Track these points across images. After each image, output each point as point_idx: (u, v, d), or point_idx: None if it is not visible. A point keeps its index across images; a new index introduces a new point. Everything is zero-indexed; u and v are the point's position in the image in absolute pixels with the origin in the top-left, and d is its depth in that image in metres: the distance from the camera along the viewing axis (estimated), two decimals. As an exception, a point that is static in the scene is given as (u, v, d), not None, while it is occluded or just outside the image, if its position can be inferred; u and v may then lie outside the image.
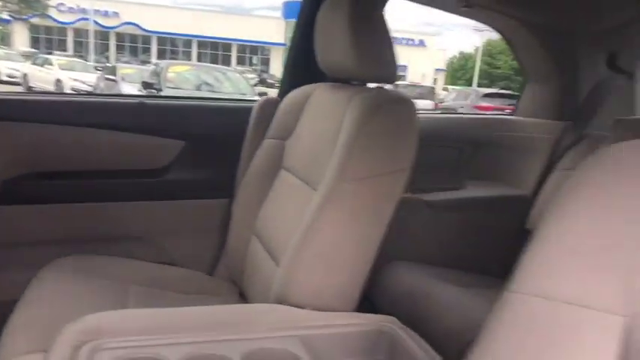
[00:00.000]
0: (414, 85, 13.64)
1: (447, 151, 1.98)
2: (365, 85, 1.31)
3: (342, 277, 1.15)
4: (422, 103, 12.33)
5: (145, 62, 16.52)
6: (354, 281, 1.17)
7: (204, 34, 31.29)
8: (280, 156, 1.45)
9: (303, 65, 1.65)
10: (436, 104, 12.93)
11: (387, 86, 1.31)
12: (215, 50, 32.98)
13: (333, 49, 1.26)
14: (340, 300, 1.16)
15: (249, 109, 1.60)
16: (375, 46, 1.21)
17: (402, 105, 1.18)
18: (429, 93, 12.98)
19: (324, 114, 1.30)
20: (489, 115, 2.13)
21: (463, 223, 1.88)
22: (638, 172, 0.54)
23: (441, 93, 18.13)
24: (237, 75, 8.56)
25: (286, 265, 1.13)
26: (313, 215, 1.12)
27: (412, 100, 1.22)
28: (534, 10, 1.82)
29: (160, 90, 7.23)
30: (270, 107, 1.55)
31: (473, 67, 30.16)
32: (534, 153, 1.99)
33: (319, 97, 1.38)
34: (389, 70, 1.24)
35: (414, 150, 1.18)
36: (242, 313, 1.03)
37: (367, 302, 1.70)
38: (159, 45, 31.97)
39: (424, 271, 1.71)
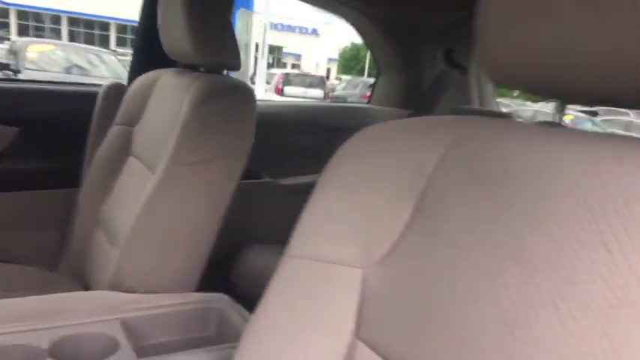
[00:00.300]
0: (304, 75, 13.80)
1: (308, 137, 2.07)
2: (213, 72, 1.33)
3: (178, 261, 1.18)
4: (312, 93, 12.54)
5: (2, 39, 14.79)
6: (192, 265, 1.21)
7: (76, 10, 28.41)
8: (128, 143, 1.43)
9: (150, 49, 1.63)
10: (327, 93, 13.21)
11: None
12: (90, 29, 30.30)
13: (173, 33, 1.27)
14: (177, 283, 1.18)
15: (94, 95, 1.56)
16: (213, 32, 1.23)
17: (239, 92, 1.22)
18: (319, 82, 13.21)
19: (167, 100, 1.31)
20: (348, 104, 2.25)
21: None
22: (388, 146, 0.64)
23: (334, 82, 18.56)
24: (113, 57, 7.98)
25: (121, 251, 1.14)
26: (147, 199, 1.13)
27: (252, 87, 1.27)
28: (378, 7, 1.96)
29: (18, 72, 6.51)
30: (116, 93, 1.52)
31: (365, 57, 31.19)
32: (385, 139, 2.15)
33: (164, 82, 1.38)
34: (230, 57, 1.28)
35: (251, 137, 1.23)
36: (55, 302, 1.01)
37: (230, 284, 1.75)
38: (19, 20, 28.40)
39: (279, 251, 1.79)
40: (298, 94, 12.10)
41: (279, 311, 0.64)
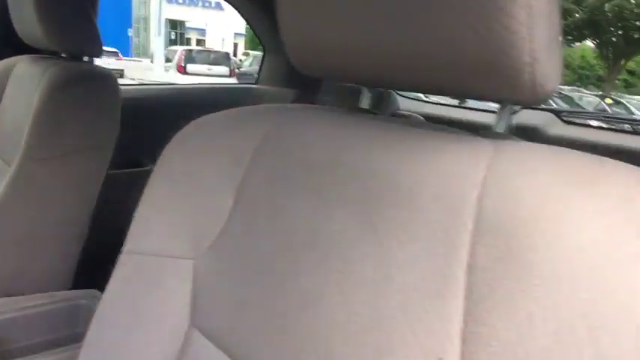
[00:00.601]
0: (208, 51, 13.37)
1: (191, 120, 2.03)
2: (73, 59, 1.26)
3: (45, 260, 1.14)
4: (217, 70, 12.21)
5: None
6: (62, 263, 1.17)
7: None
8: None
9: (7, 33, 1.51)
10: (232, 70, 12.91)
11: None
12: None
13: (23, 15, 1.18)
14: (47, 283, 1.14)
15: None
16: (66, 14, 1.16)
17: (98, 79, 1.18)
18: (224, 58, 12.85)
19: (22, 89, 1.23)
20: (233, 84, 2.23)
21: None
22: (212, 137, 0.65)
23: (242, 58, 18.13)
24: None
25: (-24, 254, 1.07)
26: (3, 197, 1.07)
27: (116, 74, 1.23)
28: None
29: None
30: None
31: (273, 32, 30.53)
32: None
33: (19, 70, 1.30)
34: (89, 42, 1.22)
35: (116, 125, 1.20)
36: None
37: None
38: None
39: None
40: (202, 72, 11.75)
41: (118, 308, 0.64)
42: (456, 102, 2.40)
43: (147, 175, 1.92)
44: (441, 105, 2.40)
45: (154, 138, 1.88)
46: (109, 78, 1.18)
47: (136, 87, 1.94)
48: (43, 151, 1.07)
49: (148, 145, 1.87)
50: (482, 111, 2.33)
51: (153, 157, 1.92)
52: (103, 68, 1.20)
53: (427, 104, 2.43)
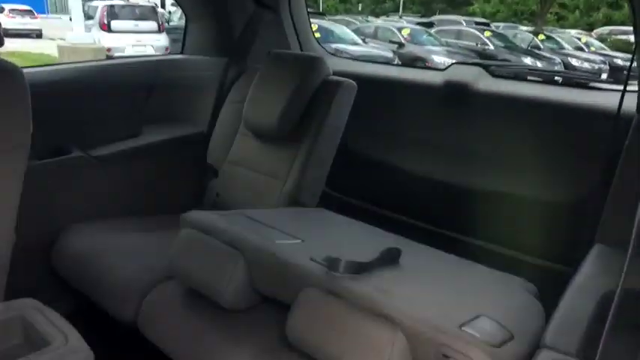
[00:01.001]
0: (132, 5, 12.55)
1: (119, 98, 1.93)
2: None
3: None
4: (144, 26, 11.55)
5: None
6: None
7: None
8: None
9: None
10: (161, 25, 12.22)
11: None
12: None
13: None
14: None
15: None
16: None
17: (8, 76, 1.09)
18: (150, 12, 12.08)
19: None
20: (161, 56, 2.12)
21: (143, 170, 1.91)
22: None
23: (171, 10, 17.16)
24: None
25: None
26: None
27: (16, 63, 1.13)
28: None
29: None
30: None
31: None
32: (204, 90, 2.10)
33: None
34: None
35: (28, 122, 1.12)
36: None
37: (52, 275, 1.64)
38: None
39: (103, 227, 1.71)
40: (128, 29, 11.07)
41: None
42: (388, 59, 2.39)
43: (75, 162, 1.84)
44: (374, 63, 2.39)
45: (78, 121, 1.79)
46: (14, 72, 1.09)
47: (50, 68, 1.80)
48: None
49: (72, 131, 1.78)
50: (419, 68, 2.35)
51: (79, 143, 1.84)
52: (7, 62, 1.11)
53: (358, 63, 2.41)
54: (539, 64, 11.75)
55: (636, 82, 1.55)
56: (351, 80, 1.85)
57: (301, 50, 2.34)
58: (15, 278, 1.20)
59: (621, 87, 1.51)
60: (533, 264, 1.79)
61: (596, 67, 12.94)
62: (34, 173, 1.19)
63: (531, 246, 1.80)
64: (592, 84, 1.87)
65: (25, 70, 1.13)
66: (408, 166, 2.11)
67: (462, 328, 0.94)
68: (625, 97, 1.47)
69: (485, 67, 2.05)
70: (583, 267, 1.18)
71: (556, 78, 1.99)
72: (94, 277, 1.49)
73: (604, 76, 11.98)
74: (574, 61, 12.93)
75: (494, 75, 2.03)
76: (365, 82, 1.97)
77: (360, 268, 1.12)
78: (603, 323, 0.99)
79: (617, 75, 12.01)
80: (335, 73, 1.93)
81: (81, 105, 1.79)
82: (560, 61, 12.67)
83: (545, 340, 0.90)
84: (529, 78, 2.04)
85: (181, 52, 2.16)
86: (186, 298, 1.33)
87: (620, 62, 13.27)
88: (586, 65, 12.92)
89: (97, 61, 1.94)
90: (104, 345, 1.05)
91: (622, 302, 0.88)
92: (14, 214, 1.13)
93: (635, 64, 1.44)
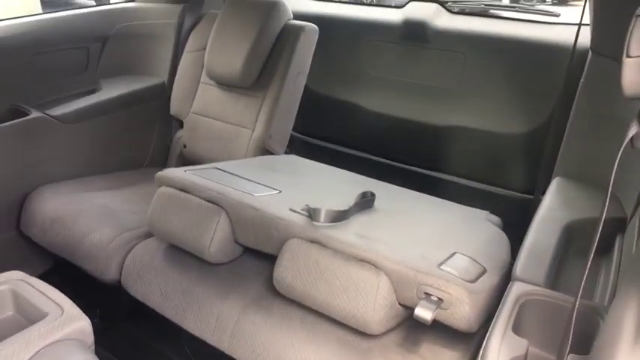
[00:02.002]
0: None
1: (72, 53, 1.84)
2: None
3: None
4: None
5: None
6: None
7: None
8: None
9: None
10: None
11: None
12: None
13: None
14: None
15: None
16: None
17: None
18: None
19: None
20: (112, 5, 2.01)
21: (105, 126, 1.86)
22: None
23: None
24: None
25: None
26: None
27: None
28: None
29: None
30: None
31: None
32: (161, 39, 2.02)
33: None
34: None
35: None
36: None
37: (21, 239, 1.63)
38: None
39: (71, 188, 1.68)
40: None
41: None
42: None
43: (34, 123, 1.78)
44: (334, 2, 2.35)
45: (32, 81, 1.71)
46: None
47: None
48: None
49: (27, 91, 1.70)
50: (377, 6, 2.32)
51: (36, 103, 1.76)
52: None
53: (318, 3, 2.36)
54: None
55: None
56: (312, 24, 1.82)
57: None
58: None
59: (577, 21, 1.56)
60: (497, 194, 1.89)
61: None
62: None
63: (494, 177, 1.89)
64: (547, 18, 1.91)
65: None
66: (372, 105, 2.13)
67: (440, 267, 1.01)
68: (581, 31, 1.52)
69: (443, 4, 2.05)
70: (545, 199, 1.27)
71: (514, 13, 2.02)
72: (71, 239, 1.49)
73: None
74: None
75: (451, 12, 2.04)
76: (325, 22, 1.94)
77: (339, 216, 1.16)
78: (567, 253, 1.09)
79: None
80: (295, 15, 1.89)
81: (33, 62, 1.70)
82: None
83: (515, 273, 0.99)
84: (485, 13, 2.05)
85: (134, 0, 2.05)
86: (169, 255, 1.36)
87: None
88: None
89: (44, 13, 1.81)
90: (84, 301, 1.06)
91: (587, 231, 0.97)
92: None
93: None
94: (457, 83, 1.93)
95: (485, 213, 1.37)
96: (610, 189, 0.59)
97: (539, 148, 1.68)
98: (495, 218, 1.36)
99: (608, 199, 0.58)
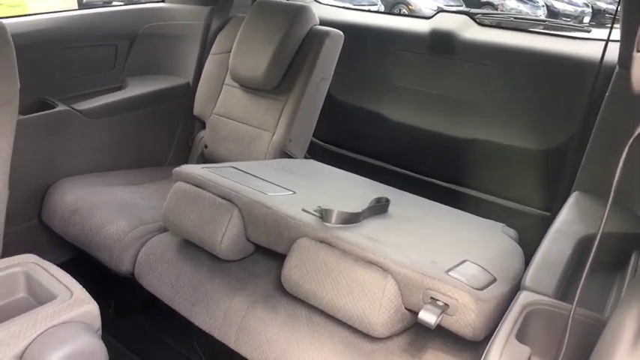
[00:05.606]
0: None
1: (101, 49, 1.89)
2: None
3: None
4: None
5: None
6: None
7: None
8: None
9: None
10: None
11: None
12: None
13: None
14: None
15: None
16: None
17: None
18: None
19: None
20: (140, 5, 2.06)
21: (129, 123, 1.89)
22: None
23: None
24: None
25: None
26: None
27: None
28: None
29: None
30: None
31: None
32: (188, 40, 2.06)
33: None
34: None
35: (15, 78, 1.11)
36: None
37: (42, 229, 1.66)
38: None
39: (93, 181, 1.72)
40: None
41: None
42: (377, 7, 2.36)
43: (60, 116, 1.82)
44: (361, 11, 2.36)
45: (60, 75, 1.76)
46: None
47: (28, 19, 1.74)
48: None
49: (55, 84, 1.75)
50: (405, 16, 2.33)
51: (63, 97, 1.81)
52: None
53: (345, 11, 2.38)
54: (522, 8, 11.61)
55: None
56: (337, 30, 1.83)
57: (286, -3, 2.28)
58: (7, 233, 1.22)
59: (605, 36, 1.53)
60: (515, 209, 1.86)
61: (579, 10, 12.82)
62: (20, 129, 1.18)
63: (513, 192, 1.86)
64: (577, 34, 1.88)
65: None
66: (394, 115, 2.13)
67: (448, 273, 1.00)
68: (608, 47, 1.50)
69: (472, 16, 2.04)
70: (562, 213, 1.24)
71: (542, 26, 2.00)
72: (89, 230, 1.52)
73: (587, 19, 11.90)
74: (557, 4, 12.77)
75: (480, 24, 2.03)
76: (352, 31, 1.95)
77: (351, 218, 1.16)
78: (579, 266, 1.06)
79: (600, 18, 11.93)
80: (321, 22, 1.90)
81: (62, 57, 1.75)
82: (543, 3, 12.51)
83: (525, 282, 0.97)
84: (515, 27, 2.04)
85: (163, 1, 2.10)
86: (182, 249, 1.37)
87: (602, 5, 13.16)
88: (569, 8, 12.78)
89: (76, 10, 1.87)
90: (100, 292, 1.08)
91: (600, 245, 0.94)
92: (7, 170, 1.13)
93: (619, 15, 1.45)
94: (482, 96, 1.91)
95: (501, 225, 1.35)
96: (610, 200, 0.57)
97: (559, 165, 1.65)
98: (511, 231, 1.34)
99: (607, 212, 0.57)
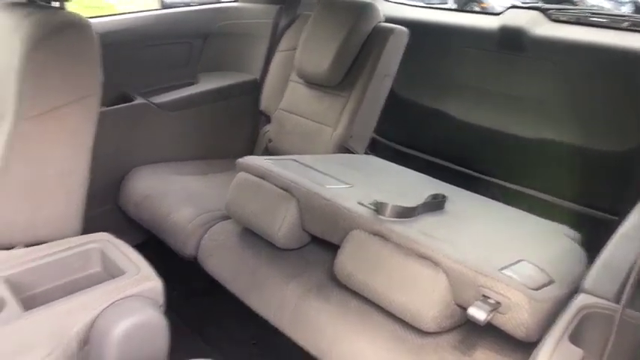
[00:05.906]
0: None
1: (177, 47, 2.00)
2: (47, 2, 1.23)
3: (52, 209, 1.20)
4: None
5: None
6: (69, 210, 1.24)
7: None
8: None
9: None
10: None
11: None
12: None
13: None
14: (57, 229, 1.22)
15: None
16: None
17: (77, 28, 1.16)
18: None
19: (1, 41, 1.22)
20: (213, 5, 2.16)
21: (200, 116, 1.99)
22: None
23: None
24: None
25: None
26: (3, 158, 1.12)
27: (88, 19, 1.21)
28: None
29: None
30: None
31: None
32: (257, 37, 2.13)
33: None
34: None
35: (98, 72, 1.20)
36: None
37: (119, 212, 1.79)
38: None
39: (165, 169, 1.83)
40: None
41: None
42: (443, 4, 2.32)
43: (139, 109, 1.93)
44: (427, 8, 2.34)
45: (139, 70, 1.88)
46: (85, 25, 1.17)
47: (112, 19, 1.88)
48: (33, 110, 1.10)
49: (134, 79, 1.87)
50: (474, 12, 2.28)
51: (141, 91, 1.93)
52: (77, 15, 1.18)
53: (411, 8, 2.36)
54: (604, 4, 10.92)
55: None
56: (402, 27, 1.83)
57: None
58: (87, 217, 1.33)
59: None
60: (580, 212, 1.78)
61: (674, 6, 11.89)
62: (101, 119, 1.28)
63: (580, 195, 1.78)
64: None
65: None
66: (458, 113, 2.09)
67: (502, 271, 0.98)
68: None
69: (544, 11, 1.97)
70: (629, 217, 1.18)
71: (622, 22, 1.88)
72: (158, 216, 1.62)
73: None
74: (648, 0, 11.91)
75: (553, 19, 1.95)
76: (417, 28, 1.94)
77: (405, 212, 1.17)
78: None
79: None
80: (387, 19, 1.91)
81: (142, 54, 1.87)
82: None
83: (584, 284, 0.93)
84: (592, 22, 1.94)
85: (235, 0, 2.18)
86: (242, 237, 1.43)
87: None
88: (662, 5, 11.88)
89: (154, 10, 1.99)
90: (168, 274, 1.15)
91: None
92: (89, 157, 1.23)
93: None
94: (550, 94, 1.84)
95: (564, 227, 1.30)
96: None
97: (630, 168, 1.56)
98: (574, 233, 1.29)
99: None
